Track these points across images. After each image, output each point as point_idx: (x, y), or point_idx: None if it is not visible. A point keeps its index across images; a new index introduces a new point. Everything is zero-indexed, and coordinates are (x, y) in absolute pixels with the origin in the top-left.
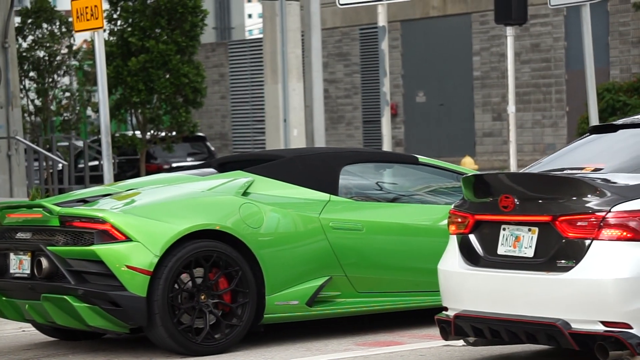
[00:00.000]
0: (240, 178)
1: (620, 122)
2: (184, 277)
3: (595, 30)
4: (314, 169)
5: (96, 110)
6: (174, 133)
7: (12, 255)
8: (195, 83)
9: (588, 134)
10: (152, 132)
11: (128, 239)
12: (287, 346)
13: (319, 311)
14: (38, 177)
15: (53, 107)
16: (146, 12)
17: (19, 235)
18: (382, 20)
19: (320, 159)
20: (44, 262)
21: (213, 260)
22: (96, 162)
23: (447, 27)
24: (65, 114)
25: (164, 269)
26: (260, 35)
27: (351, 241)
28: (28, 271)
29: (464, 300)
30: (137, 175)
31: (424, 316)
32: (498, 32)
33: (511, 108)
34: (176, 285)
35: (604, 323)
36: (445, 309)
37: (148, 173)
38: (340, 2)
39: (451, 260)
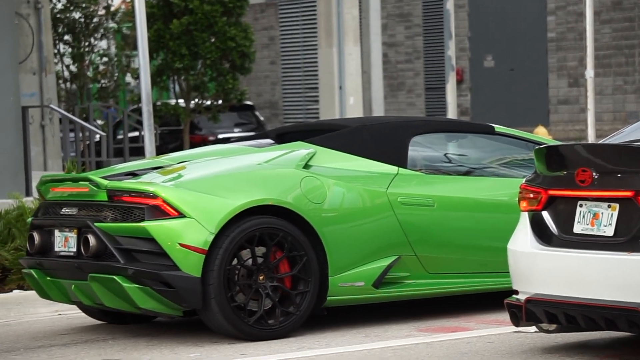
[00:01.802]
0: (301, 149)
1: None
2: (243, 254)
3: None
4: (381, 139)
5: (136, 76)
6: (220, 101)
7: (57, 232)
8: (243, 47)
9: None
10: (196, 100)
11: (181, 214)
12: (344, 332)
13: (386, 293)
14: (74, 149)
15: (90, 74)
16: None
17: (64, 210)
18: None
19: (388, 128)
20: (92, 240)
21: (274, 239)
22: (136, 133)
23: None
24: (103, 81)
25: (220, 248)
26: None
27: (421, 218)
28: (74, 249)
29: (537, 283)
30: (181, 147)
31: (493, 300)
32: None
33: (589, 73)
34: (232, 265)
35: None
36: (516, 292)
37: (192, 145)
38: None
39: (522, 239)
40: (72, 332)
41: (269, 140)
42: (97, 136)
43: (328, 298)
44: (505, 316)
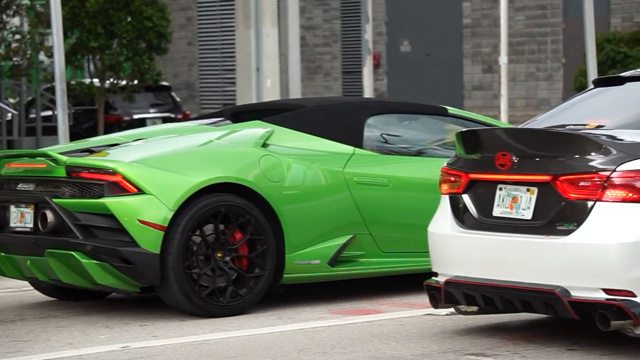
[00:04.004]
0: (259, 128)
1: (627, 74)
2: (199, 233)
3: None
4: (337, 119)
5: (50, 55)
6: (135, 82)
7: (12, 208)
8: (159, 27)
9: (592, 86)
10: (111, 80)
11: (141, 191)
12: (257, 314)
13: (341, 271)
14: None
15: (1, 51)
16: None
17: (21, 186)
18: None
19: (344, 109)
20: (49, 216)
21: (230, 216)
22: (49, 112)
23: None
24: (15, 59)
25: (179, 225)
26: None
27: (376, 197)
28: (31, 225)
29: (456, 266)
30: (95, 127)
31: (405, 283)
32: None
33: (503, 59)
34: (191, 242)
35: (606, 290)
36: (435, 274)
37: (107, 125)
38: None
39: (442, 222)
40: (35, 307)
41: (225, 119)
42: (9, 115)
43: (285, 275)
44: (417, 299)
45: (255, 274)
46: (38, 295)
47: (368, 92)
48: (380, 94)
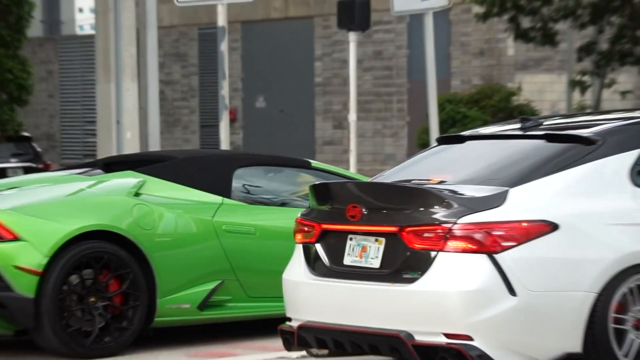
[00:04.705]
0: (131, 178)
1: (467, 133)
2: (74, 278)
3: (437, 40)
4: (206, 170)
5: None
6: None
7: None
8: (20, 79)
9: (436, 144)
10: None
11: (16, 238)
12: (116, 357)
13: (210, 315)
14: None
15: None
16: None
17: None
18: (221, 21)
19: (213, 160)
20: None
21: (104, 261)
22: None
23: (289, 30)
24: None
25: (54, 270)
26: (92, 32)
27: (244, 245)
28: None
29: (308, 311)
30: None
31: (261, 327)
32: (341, 37)
33: (352, 116)
34: (65, 287)
35: (447, 335)
36: (289, 319)
37: None
38: (179, 0)
39: (297, 270)
40: None
41: (98, 170)
42: None
43: (156, 319)
44: (270, 342)
45: (122, 325)
46: None
47: (225, 145)
48: (236, 147)
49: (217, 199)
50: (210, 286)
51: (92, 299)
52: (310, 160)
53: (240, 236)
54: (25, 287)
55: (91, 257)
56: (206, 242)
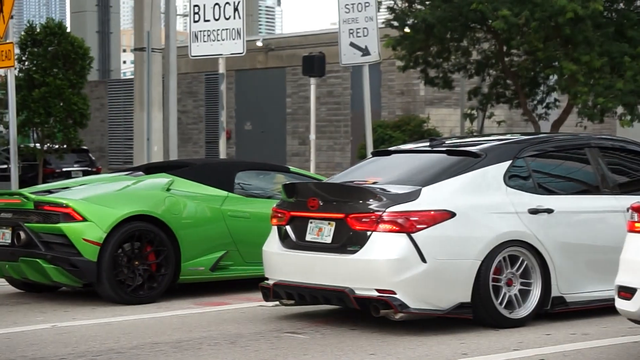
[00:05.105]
0: (164, 178)
1: (393, 148)
2: (125, 247)
3: (372, 83)
4: (217, 173)
5: (7, 127)
6: (64, 146)
7: None
8: (82, 110)
9: (371, 156)
10: (48, 145)
11: (84, 219)
12: (142, 306)
13: (218, 275)
14: None
15: None
16: (47, 56)
17: (2, 215)
18: (221, 69)
19: (221, 166)
20: (22, 235)
21: (145, 237)
22: (5, 166)
23: (268, 76)
24: None
25: (109, 242)
26: (132, 77)
27: (242, 226)
28: (9, 241)
29: (280, 273)
30: (36, 177)
31: (246, 285)
32: (304, 81)
33: (312, 136)
34: (118, 254)
35: (378, 290)
36: (267, 279)
37: (44, 175)
38: (192, 54)
39: (272, 244)
40: (5, 298)
41: (140, 172)
42: None
43: (180, 277)
44: (253, 295)
45: (161, 273)
46: (10, 288)
47: (222, 156)
48: (231, 157)
49: (224, 193)
50: (219, 254)
51: (136, 263)
52: (290, 167)
53: (240, 219)
54: (89, 254)
55: (136, 234)
56: (216, 223)
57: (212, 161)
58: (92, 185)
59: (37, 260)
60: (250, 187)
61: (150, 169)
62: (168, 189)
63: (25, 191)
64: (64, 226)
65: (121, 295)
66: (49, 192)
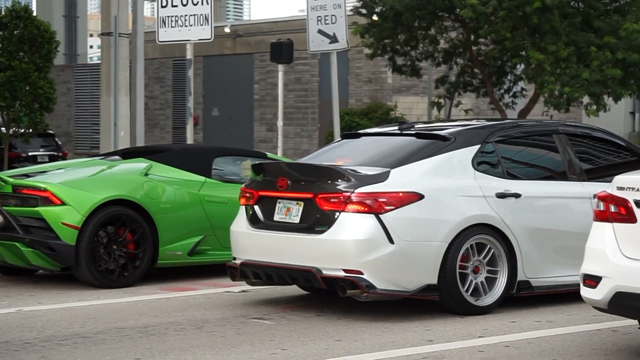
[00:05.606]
0: (142, 163)
1: (362, 131)
2: (102, 232)
3: (339, 71)
4: (194, 158)
5: None
6: (30, 130)
7: None
8: (48, 94)
9: (340, 139)
10: (14, 129)
11: (63, 203)
12: (109, 291)
13: (195, 259)
14: None
15: None
16: (13, 40)
17: None
18: (189, 54)
19: (199, 151)
20: (0, 218)
21: (123, 221)
22: None
23: (236, 62)
24: None
25: (88, 226)
26: (99, 61)
27: (219, 210)
28: None
29: (248, 252)
30: (2, 160)
31: (213, 270)
32: (272, 68)
33: (280, 123)
34: (96, 238)
35: (345, 270)
36: (234, 258)
37: (10, 159)
38: (160, 40)
39: (240, 223)
40: None
41: (117, 157)
42: None
43: (158, 262)
44: (219, 281)
45: (141, 249)
46: None
47: (189, 142)
48: (197, 143)
49: (202, 178)
50: (196, 239)
51: (114, 247)
52: (267, 153)
53: (217, 205)
54: (68, 237)
55: (114, 218)
56: (194, 208)
57: (190, 146)
58: (70, 169)
59: (15, 243)
60: (228, 172)
61: (128, 153)
62: (146, 174)
63: (3, 174)
64: (42, 210)
65: (99, 279)
66: (27, 175)
